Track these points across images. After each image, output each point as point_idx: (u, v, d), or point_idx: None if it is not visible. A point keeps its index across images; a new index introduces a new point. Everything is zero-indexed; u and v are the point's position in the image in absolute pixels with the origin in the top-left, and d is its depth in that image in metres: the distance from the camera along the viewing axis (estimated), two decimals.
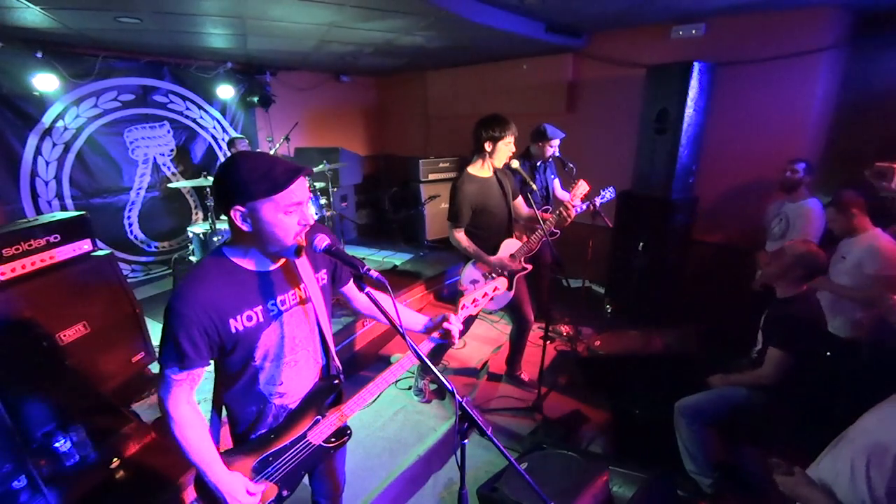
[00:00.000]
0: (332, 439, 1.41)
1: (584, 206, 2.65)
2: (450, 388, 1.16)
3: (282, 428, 1.33)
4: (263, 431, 1.32)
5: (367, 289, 1.23)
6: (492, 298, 1.62)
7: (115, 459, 2.21)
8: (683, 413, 2.23)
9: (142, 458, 2.29)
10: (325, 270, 1.38)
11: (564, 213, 2.50)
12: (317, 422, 1.36)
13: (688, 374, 2.56)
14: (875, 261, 2.41)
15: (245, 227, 1.12)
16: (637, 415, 2.69)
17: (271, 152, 5.16)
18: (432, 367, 1.22)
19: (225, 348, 1.18)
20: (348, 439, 1.47)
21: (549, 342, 3.00)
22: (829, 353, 2.43)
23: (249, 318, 1.18)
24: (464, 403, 1.17)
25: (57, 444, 2.05)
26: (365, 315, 1.58)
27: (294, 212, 1.13)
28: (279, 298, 1.24)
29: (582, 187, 2.59)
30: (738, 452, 2.35)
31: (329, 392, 1.40)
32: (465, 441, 1.20)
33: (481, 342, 3.77)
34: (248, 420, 1.32)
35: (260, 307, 1.20)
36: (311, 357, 1.37)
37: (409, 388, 3.07)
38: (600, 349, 3.16)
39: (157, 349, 2.88)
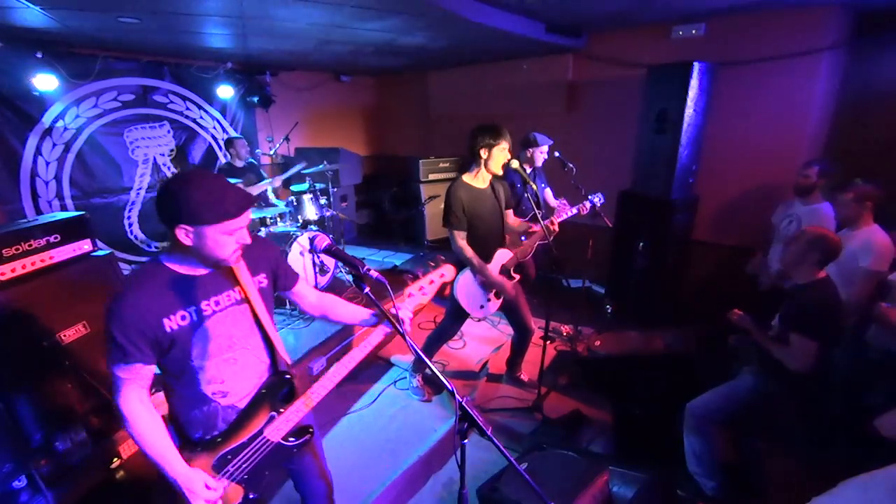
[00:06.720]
0: (292, 438, 1.41)
1: (575, 211, 2.84)
2: (449, 387, 1.16)
3: (235, 426, 1.34)
4: (217, 433, 1.33)
5: (366, 289, 1.23)
6: (439, 287, 1.62)
7: (115, 459, 2.21)
8: (695, 414, 2.21)
9: (142, 458, 2.28)
10: (263, 275, 1.41)
11: (551, 227, 2.62)
12: (272, 418, 1.37)
13: (688, 375, 2.55)
14: (869, 255, 2.44)
15: (187, 243, 1.17)
16: (637, 415, 2.69)
17: (271, 152, 5.18)
18: (429, 362, 1.23)
19: (162, 346, 1.22)
20: (310, 438, 1.48)
21: (549, 342, 3.01)
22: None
23: (183, 318, 1.23)
24: (464, 403, 1.17)
25: (57, 444, 2.06)
26: (315, 316, 1.64)
27: (235, 233, 1.20)
28: (213, 299, 1.29)
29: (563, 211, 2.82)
30: (744, 453, 2.35)
31: (280, 387, 1.41)
32: (465, 441, 1.21)
33: (481, 342, 3.76)
34: (196, 423, 1.33)
35: (193, 307, 1.25)
36: (253, 355, 1.38)
37: (408, 388, 3.08)
38: (600, 349, 3.15)
39: None
